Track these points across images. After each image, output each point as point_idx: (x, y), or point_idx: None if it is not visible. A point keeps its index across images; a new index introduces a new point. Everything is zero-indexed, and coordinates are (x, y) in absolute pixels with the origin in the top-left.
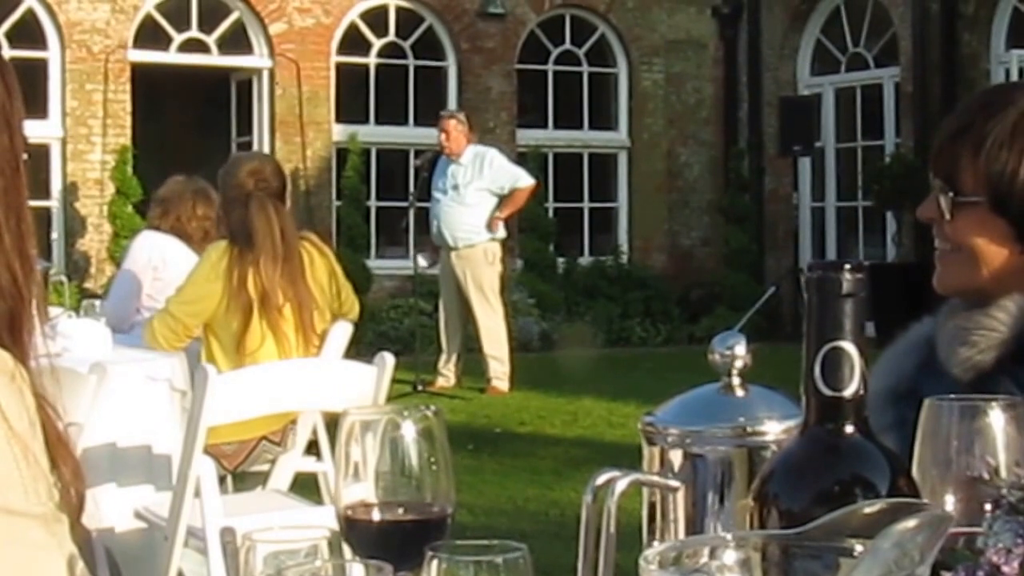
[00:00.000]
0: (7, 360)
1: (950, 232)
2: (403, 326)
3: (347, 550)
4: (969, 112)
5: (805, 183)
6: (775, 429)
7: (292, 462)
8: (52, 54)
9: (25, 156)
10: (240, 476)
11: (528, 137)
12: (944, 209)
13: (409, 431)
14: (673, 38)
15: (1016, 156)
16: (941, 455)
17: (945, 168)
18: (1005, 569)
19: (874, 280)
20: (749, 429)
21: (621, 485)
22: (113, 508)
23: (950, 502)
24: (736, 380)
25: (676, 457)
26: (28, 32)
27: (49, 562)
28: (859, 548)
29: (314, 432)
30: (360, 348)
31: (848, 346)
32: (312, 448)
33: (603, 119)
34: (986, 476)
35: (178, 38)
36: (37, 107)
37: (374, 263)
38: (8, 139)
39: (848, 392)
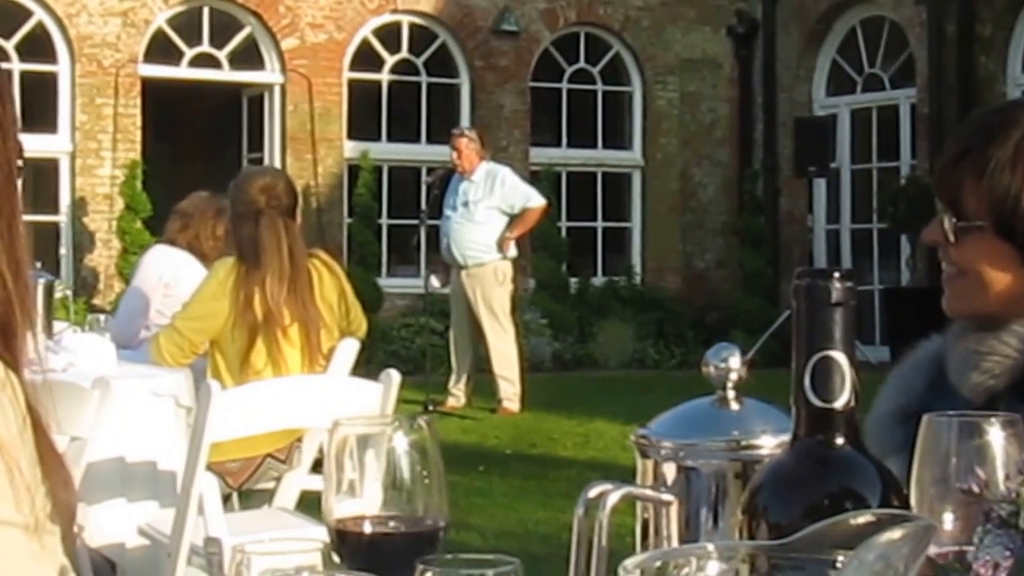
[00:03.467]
0: None
1: (956, 256)
2: (414, 345)
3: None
4: (969, 135)
5: (820, 205)
6: (770, 443)
7: (298, 480)
8: (62, 68)
9: (20, 163)
10: (246, 494)
11: (541, 155)
12: (948, 233)
13: (401, 443)
14: (688, 57)
15: (1019, 179)
16: (940, 472)
17: (948, 192)
18: None
19: (889, 304)
20: (743, 442)
21: (613, 498)
22: (117, 524)
23: (949, 520)
24: (731, 393)
25: (669, 471)
26: (38, 46)
27: (40, 573)
28: (843, 559)
29: (321, 450)
30: (370, 368)
31: (838, 355)
32: (319, 466)
33: (617, 138)
34: (977, 490)
35: (189, 53)
36: (46, 121)
37: (385, 281)
38: (0, 142)
39: (839, 403)
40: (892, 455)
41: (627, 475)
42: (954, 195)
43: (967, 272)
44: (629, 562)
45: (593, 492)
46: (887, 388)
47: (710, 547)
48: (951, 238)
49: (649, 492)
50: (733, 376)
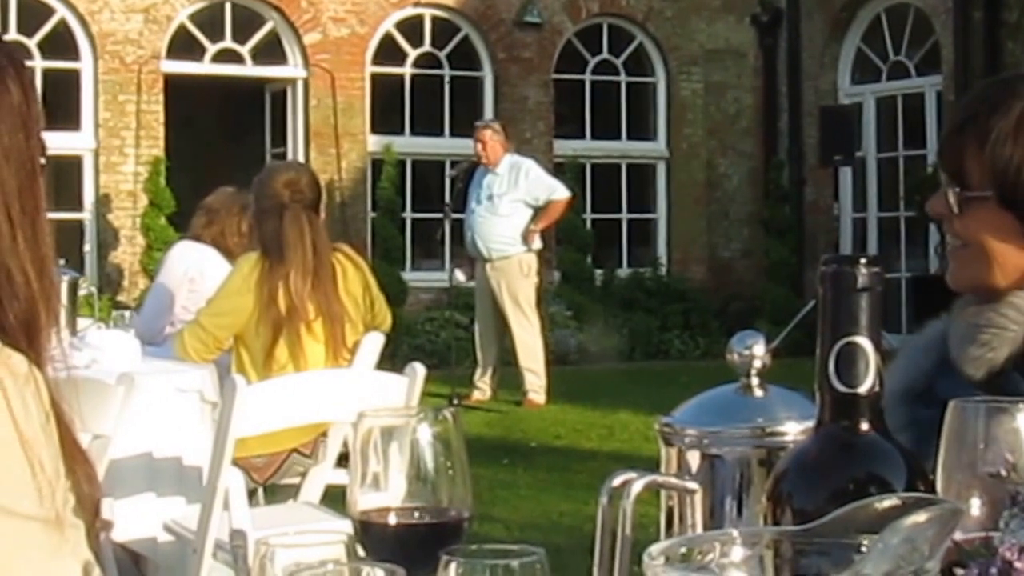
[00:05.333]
0: (21, 363)
1: (959, 228)
2: (439, 339)
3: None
4: (972, 106)
5: (846, 193)
6: (794, 429)
7: (323, 475)
8: (85, 65)
9: (43, 161)
10: (271, 489)
11: (565, 147)
12: (952, 204)
13: (425, 435)
14: (712, 47)
15: (1022, 149)
16: (967, 458)
17: (952, 163)
18: (1018, 565)
19: (916, 291)
20: (768, 429)
21: (637, 487)
22: (142, 520)
23: (976, 505)
24: (755, 380)
25: (694, 458)
26: (61, 43)
27: (63, 567)
28: (868, 544)
29: (345, 444)
30: (396, 362)
31: (863, 341)
32: (344, 460)
33: (641, 129)
34: (1004, 474)
35: (212, 48)
36: (70, 118)
37: (409, 275)
38: (24, 139)
39: (863, 388)
40: (898, 434)
41: (651, 466)
42: (957, 165)
43: (970, 243)
44: (654, 548)
45: (617, 481)
46: (894, 367)
47: (734, 533)
48: (955, 209)
49: (673, 480)
50: (757, 363)
